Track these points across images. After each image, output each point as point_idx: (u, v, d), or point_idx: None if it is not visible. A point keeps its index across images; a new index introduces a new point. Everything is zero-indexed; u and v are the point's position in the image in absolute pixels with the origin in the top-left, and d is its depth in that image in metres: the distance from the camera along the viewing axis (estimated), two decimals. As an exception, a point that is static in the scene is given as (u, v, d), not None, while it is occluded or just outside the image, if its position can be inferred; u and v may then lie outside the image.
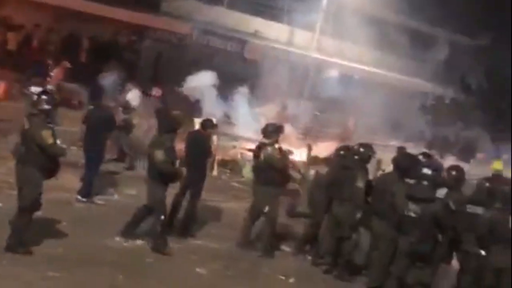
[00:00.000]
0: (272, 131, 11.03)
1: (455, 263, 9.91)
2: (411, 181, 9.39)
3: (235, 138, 19.49)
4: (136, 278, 8.94)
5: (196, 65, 19.37)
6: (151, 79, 25.01)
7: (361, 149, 10.67)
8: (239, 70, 23.11)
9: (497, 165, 13.47)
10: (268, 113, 22.68)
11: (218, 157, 18.03)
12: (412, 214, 8.77)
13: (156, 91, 20.09)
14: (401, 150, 13.45)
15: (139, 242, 10.22)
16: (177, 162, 10.06)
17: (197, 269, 9.78)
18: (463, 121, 24.18)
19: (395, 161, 9.96)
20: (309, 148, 17.61)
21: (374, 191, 9.86)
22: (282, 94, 23.43)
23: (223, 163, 18.30)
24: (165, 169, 9.77)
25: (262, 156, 10.77)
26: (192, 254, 10.34)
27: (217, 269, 9.97)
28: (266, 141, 10.95)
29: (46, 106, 8.91)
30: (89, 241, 9.87)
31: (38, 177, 8.76)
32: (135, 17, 26.56)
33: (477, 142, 23.81)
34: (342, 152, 11.30)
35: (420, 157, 10.83)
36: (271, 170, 10.73)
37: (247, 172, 17.02)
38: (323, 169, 11.45)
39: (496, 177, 12.31)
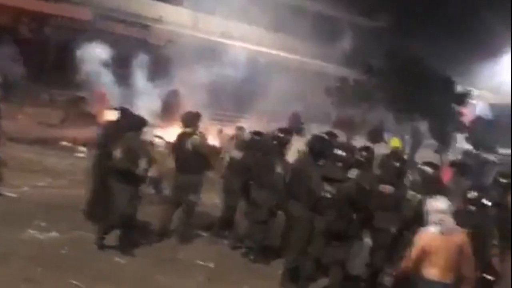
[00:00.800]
0: (193, 119, 11.04)
1: (367, 240, 10.24)
2: (325, 163, 9.61)
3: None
4: (52, 270, 8.80)
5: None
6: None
7: (280, 134, 10.84)
8: (142, 56, 22.88)
9: (395, 143, 13.97)
10: (171, 99, 22.70)
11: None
12: (327, 195, 8.97)
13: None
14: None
15: (53, 234, 10.09)
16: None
17: (116, 259, 9.74)
18: (368, 102, 24.74)
19: (308, 144, 10.15)
20: (220, 133, 17.71)
21: (290, 174, 10.03)
22: (186, 79, 23.38)
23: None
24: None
25: (188, 145, 10.72)
26: (111, 243, 10.25)
27: (136, 257, 9.92)
28: (187, 129, 10.93)
29: None
30: (1, 235, 9.67)
31: None
32: (34, 4, 25.86)
33: (383, 123, 24.49)
34: (257, 137, 11.45)
35: (326, 136, 11.11)
36: (197, 158, 10.72)
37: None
38: (237, 154, 11.53)
39: (395, 153, 12.70)
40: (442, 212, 7.44)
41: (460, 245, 7.38)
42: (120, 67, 21.52)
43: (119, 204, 9.66)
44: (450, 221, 7.42)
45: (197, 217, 11.69)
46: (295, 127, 18.70)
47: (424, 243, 7.38)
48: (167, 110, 20.93)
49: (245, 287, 9.55)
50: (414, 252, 7.44)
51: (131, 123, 10.16)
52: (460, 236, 7.41)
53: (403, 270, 7.63)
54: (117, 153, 9.63)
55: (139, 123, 10.16)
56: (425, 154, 22.75)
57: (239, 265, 10.52)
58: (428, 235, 7.39)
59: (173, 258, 10.33)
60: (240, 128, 13.06)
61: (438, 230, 7.34)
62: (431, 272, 7.34)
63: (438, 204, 7.52)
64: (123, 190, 9.65)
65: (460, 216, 8.41)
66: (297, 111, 22.50)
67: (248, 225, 10.89)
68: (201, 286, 9.38)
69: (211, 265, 10.29)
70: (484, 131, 26.64)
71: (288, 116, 22.20)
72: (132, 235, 10.12)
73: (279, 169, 10.25)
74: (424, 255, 7.35)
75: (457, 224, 8.26)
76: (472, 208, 8.40)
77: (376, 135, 16.34)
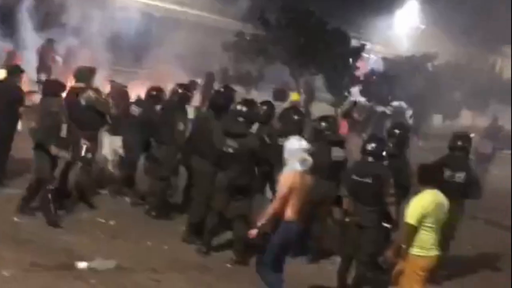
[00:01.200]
0: (87, 74, 10.80)
1: (269, 193, 10.42)
2: (227, 118, 9.65)
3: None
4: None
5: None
6: None
7: (179, 90, 10.77)
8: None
9: (295, 96, 14.30)
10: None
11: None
12: (230, 150, 9.02)
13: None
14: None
15: None
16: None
17: (15, 219, 9.55)
18: (264, 56, 24.83)
19: (211, 99, 10.15)
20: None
21: (192, 130, 10.03)
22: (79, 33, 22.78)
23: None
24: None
25: (82, 100, 10.45)
26: (7, 203, 9.99)
27: (37, 217, 9.70)
28: (80, 84, 10.68)
29: None
30: None
31: None
32: None
33: (282, 78, 24.71)
34: (154, 93, 11.33)
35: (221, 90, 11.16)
36: (92, 114, 10.50)
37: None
38: (134, 110, 11.36)
39: (294, 107, 12.90)
40: (305, 151, 7.74)
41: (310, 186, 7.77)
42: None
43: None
44: (310, 161, 7.71)
45: (97, 175, 11.59)
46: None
47: (291, 182, 7.66)
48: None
49: (148, 243, 9.53)
50: (282, 191, 7.68)
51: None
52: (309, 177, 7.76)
53: (272, 212, 7.81)
54: None
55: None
56: (320, 108, 23.25)
57: (141, 222, 10.48)
58: (296, 174, 7.66)
59: (73, 217, 10.18)
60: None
61: (301, 169, 7.65)
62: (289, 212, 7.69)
63: (302, 143, 7.82)
64: None
65: (359, 167, 8.73)
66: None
67: (150, 182, 10.85)
68: (104, 243, 9.29)
69: (112, 222, 10.22)
70: (377, 84, 27.30)
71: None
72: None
73: (181, 127, 10.20)
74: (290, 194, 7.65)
75: (356, 174, 8.59)
76: (370, 159, 8.64)
77: (280, 95, 16.47)
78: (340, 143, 9.88)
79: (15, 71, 11.07)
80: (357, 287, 8.80)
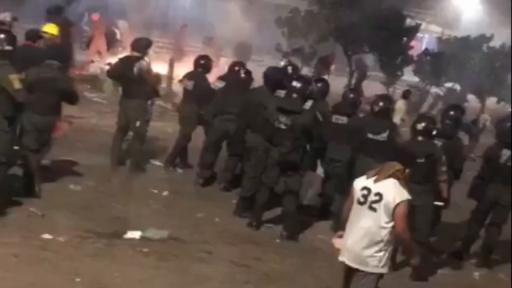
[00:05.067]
0: (144, 45, 10.94)
1: (320, 170, 10.45)
2: (281, 94, 9.67)
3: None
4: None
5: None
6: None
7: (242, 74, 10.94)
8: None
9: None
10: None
11: (76, 72, 17.65)
12: (283, 126, 9.05)
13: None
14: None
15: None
16: None
17: (71, 186, 9.75)
18: (318, 33, 24.72)
19: (265, 75, 10.17)
20: (172, 63, 17.60)
21: (246, 105, 10.07)
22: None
23: (82, 79, 17.94)
24: None
25: (135, 69, 10.62)
26: (64, 171, 10.22)
27: (90, 185, 9.95)
28: (136, 54, 10.82)
29: (7, 47, 8.16)
30: None
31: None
32: None
33: (332, 55, 24.60)
34: (202, 62, 11.47)
35: (289, 68, 11.18)
36: (143, 84, 10.66)
37: (108, 87, 16.84)
38: (189, 84, 11.46)
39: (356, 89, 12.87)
40: None
41: None
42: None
43: None
44: None
45: (150, 146, 11.77)
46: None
47: None
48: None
49: (199, 215, 9.66)
50: None
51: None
52: None
53: None
54: None
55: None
56: (373, 87, 23.12)
57: (192, 194, 10.62)
58: None
59: (127, 186, 10.39)
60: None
61: None
62: None
63: None
64: None
65: (411, 146, 8.69)
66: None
67: (208, 155, 11.00)
68: (156, 214, 9.46)
69: (165, 193, 10.38)
70: (431, 65, 26.99)
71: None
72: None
73: (237, 99, 10.29)
74: None
75: (409, 154, 8.54)
76: (421, 138, 8.60)
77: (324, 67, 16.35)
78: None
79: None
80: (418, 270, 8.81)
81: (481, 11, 39.73)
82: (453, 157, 8.92)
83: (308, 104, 9.76)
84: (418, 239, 8.30)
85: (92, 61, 19.94)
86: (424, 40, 35.54)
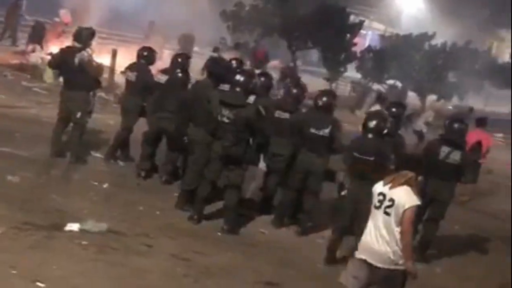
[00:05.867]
0: (87, 36, 10.78)
1: (262, 165, 10.47)
2: (225, 88, 9.64)
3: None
4: None
5: None
6: None
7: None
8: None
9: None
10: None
11: (15, 61, 17.36)
12: (226, 120, 9.03)
13: None
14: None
15: None
16: None
17: (9, 177, 9.56)
18: (262, 27, 24.76)
19: (208, 68, 10.14)
20: (115, 54, 17.39)
21: (189, 98, 10.01)
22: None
23: (22, 68, 17.62)
24: None
25: (76, 60, 10.47)
26: (1, 161, 10.01)
27: (29, 177, 9.76)
28: (78, 45, 10.66)
29: None
30: None
31: None
32: None
33: (262, 51, 24.58)
34: (145, 53, 11.37)
35: (233, 62, 11.16)
36: (84, 75, 10.52)
37: (49, 77, 16.58)
38: (131, 76, 11.33)
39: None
40: None
41: None
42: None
43: None
44: None
45: (91, 137, 11.61)
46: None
47: None
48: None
49: (140, 208, 9.58)
50: None
51: None
52: None
53: None
54: None
55: None
56: (316, 82, 23.25)
57: (133, 187, 10.53)
58: None
59: (67, 178, 10.23)
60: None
61: None
62: None
63: None
64: None
65: (360, 144, 8.79)
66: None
67: (147, 147, 10.91)
68: (96, 206, 9.33)
69: (105, 185, 10.26)
70: (373, 62, 27.31)
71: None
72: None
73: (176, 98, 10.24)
74: None
75: (359, 152, 8.64)
76: (371, 136, 8.70)
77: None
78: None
79: None
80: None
81: (423, 10, 40.40)
82: (395, 154, 9.04)
83: (251, 98, 9.75)
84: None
85: (33, 51, 19.57)
86: (367, 37, 35.95)
